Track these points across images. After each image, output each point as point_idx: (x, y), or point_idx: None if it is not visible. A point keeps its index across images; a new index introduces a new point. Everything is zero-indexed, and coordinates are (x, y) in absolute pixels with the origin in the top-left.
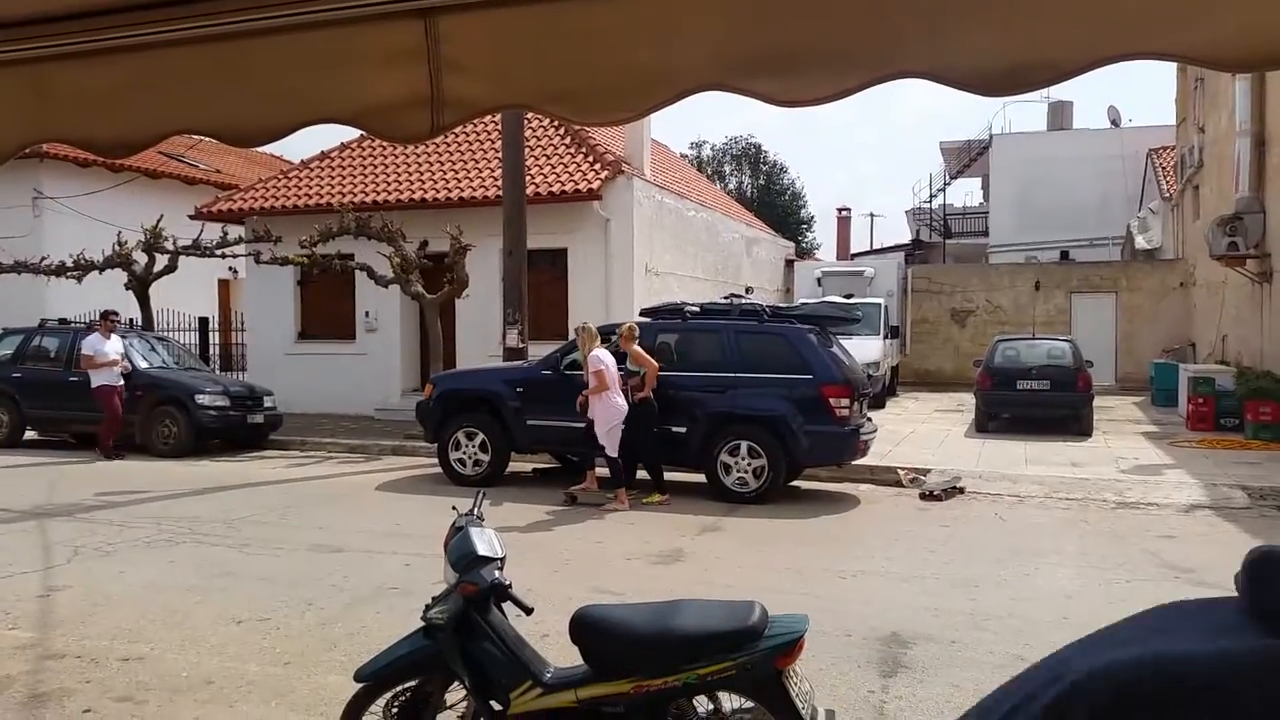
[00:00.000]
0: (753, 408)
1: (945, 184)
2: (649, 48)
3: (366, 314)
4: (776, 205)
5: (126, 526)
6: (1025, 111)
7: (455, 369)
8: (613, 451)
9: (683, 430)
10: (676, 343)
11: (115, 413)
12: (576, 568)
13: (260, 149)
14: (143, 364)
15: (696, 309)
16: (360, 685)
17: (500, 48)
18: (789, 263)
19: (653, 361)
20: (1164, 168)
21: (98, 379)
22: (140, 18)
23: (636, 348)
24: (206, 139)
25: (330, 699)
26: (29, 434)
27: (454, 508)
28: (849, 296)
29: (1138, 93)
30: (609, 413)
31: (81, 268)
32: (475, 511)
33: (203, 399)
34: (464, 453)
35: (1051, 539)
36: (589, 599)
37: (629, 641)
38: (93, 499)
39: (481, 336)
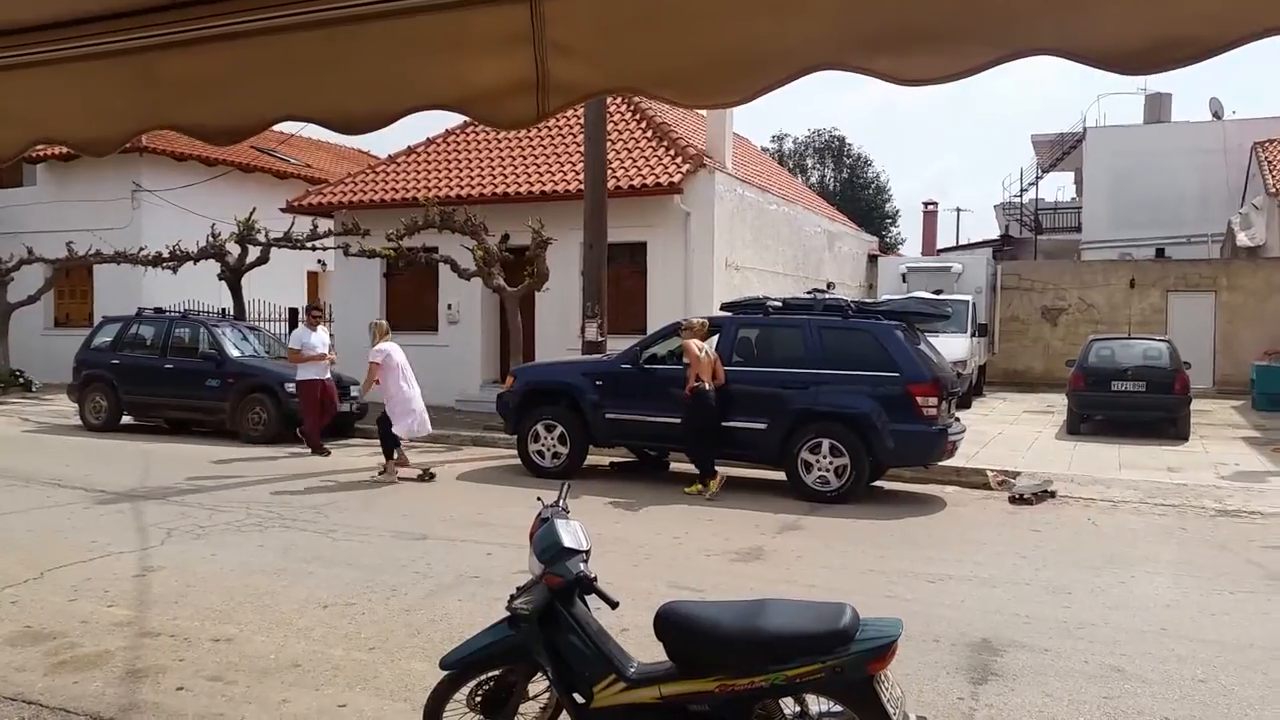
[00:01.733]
0: (836, 405)
1: (1037, 178)
2: (763, 25)
3: (449, 306)
4: (860, 199)
5: (218, 510)
6: (1121, 104)
7: (535, 361)
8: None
9: (762, 426)
10: (757, 338)
11: (311, 409)
12: (655, 563)
13: (349, 143)
14: (234, 352)
15: (778, 303)
16: (445, 673)
17: (607, 29)
18: (872, 258)
19: (699, 358)
20: (1270, 161)
21: (303, 372)
22: (247, 4)
23: (689, 343)
24: (297, 133)
25: (414, 685)
26: (125, 418)
27: (538, 499)
28: (937, 293)
29: (1242, 84)
30: None
31: (177, 258)
32: (560, 503)
33: (292, 387)
34: (543, 445)
35: (1148, 546)
36: (668, 594)
37: (716, 639)
38: (185, 483)
39: (561, 329)
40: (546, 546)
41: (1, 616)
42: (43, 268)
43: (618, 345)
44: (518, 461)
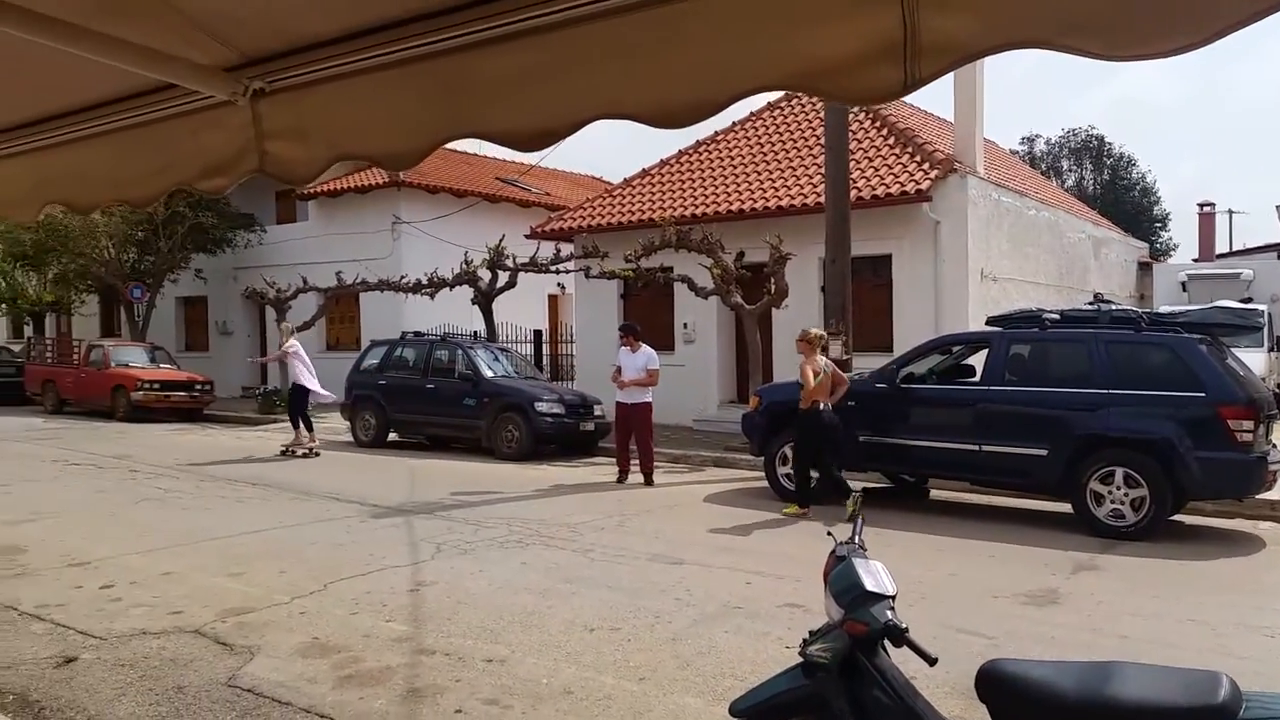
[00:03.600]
0: (1131, 429)
1: None
2: None
3: (685, 325)
4: (1124, 202)
5: (481, 526)
6: None
7: (779, 381)
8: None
9: (1041, 452)
10: (1032, 354)
11: (620, 438)
12: (933, 603)
13: (585, 170)
14: (488, 373)
15: (1055, 316)
16: None
17: None
18: (1143, 265)
19: (812, 383)
20: None
21: (619, 396)
22: None
23: (806, 367)
24: (537, 164)
25: None
26: (391, 435)
27: (829, 533)
28: (1245, 301)
29: None
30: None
31: (434, 285)
32: (856, 539)
33: (541, 406)
34: (791, 469)
35: None
36: (953, 639)
37: (1056, 707)
38: (449, 498)
39: None
40: (845, 589)
41: (293, 627)
42: (316, 296)
43: (863, 364)
44: (764, 484)
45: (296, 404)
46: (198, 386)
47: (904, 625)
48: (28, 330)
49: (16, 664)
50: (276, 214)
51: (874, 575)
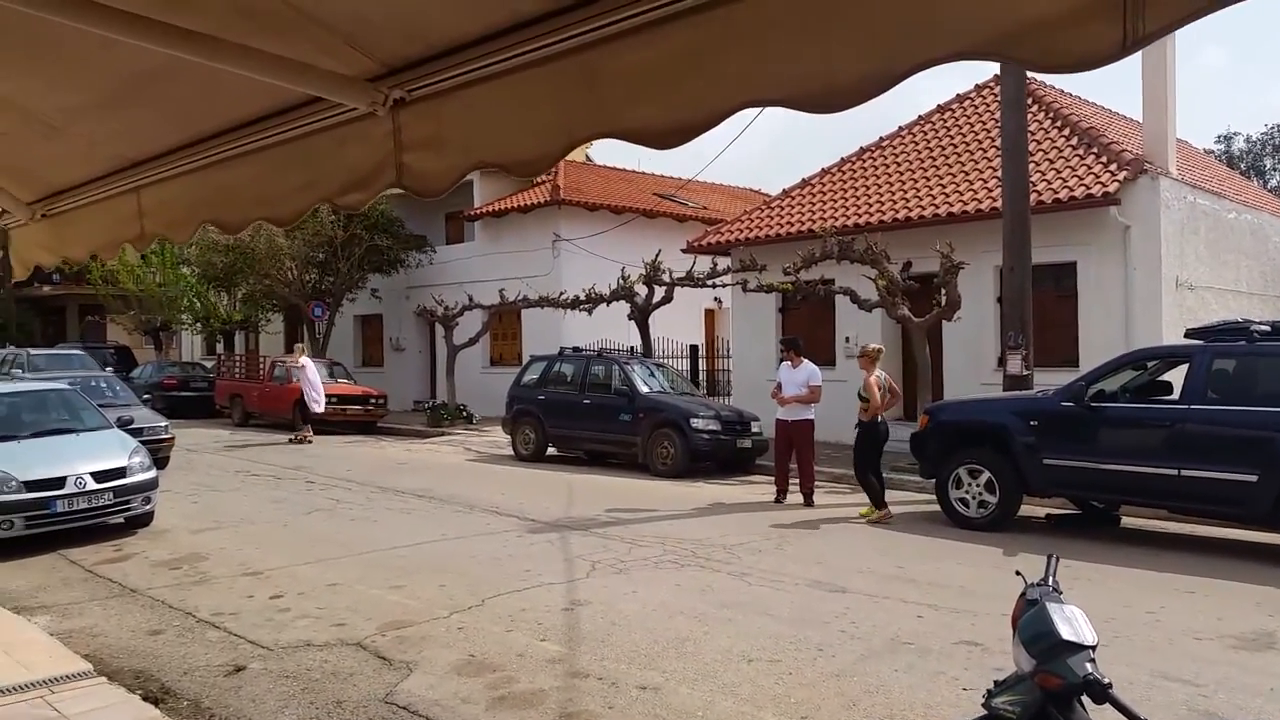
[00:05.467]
0: None
1: None
2: None
3: (846, 339)
4: None
5: (636, 544)
6: None
7: (949, 399)
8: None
9: (1251, 478)
10: (1238, 370)
11: (780, 457)
12: (1129, 645)
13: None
14: (644, 389)
15: (1266, 327)
16: None
17: None
18: None
19: (877, 398)
20: None
21: (779, 413)
22: None
23: (870, 378)
24: (694, 178)
25: None
26: (550, 449)
27: (1018, 573)
28: None
29: None
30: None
31: (592, 301)
32: (1050, 581)
33: (697, 423)
34: (966, 492)
35: None
36: (1154, 687)
37: None
38: (604, 514)
39: (973, 362)
40: (1037, 636)
41: (450, 643)
42: (480, 313)
43: (1044, 380)
44: (935, 508)
45: (302, 405)
46: (372, 400)
47: (1107, 680)
48: (218, 347)
49: (192, 670)
50: (446, 234)
51: (1071, 622)
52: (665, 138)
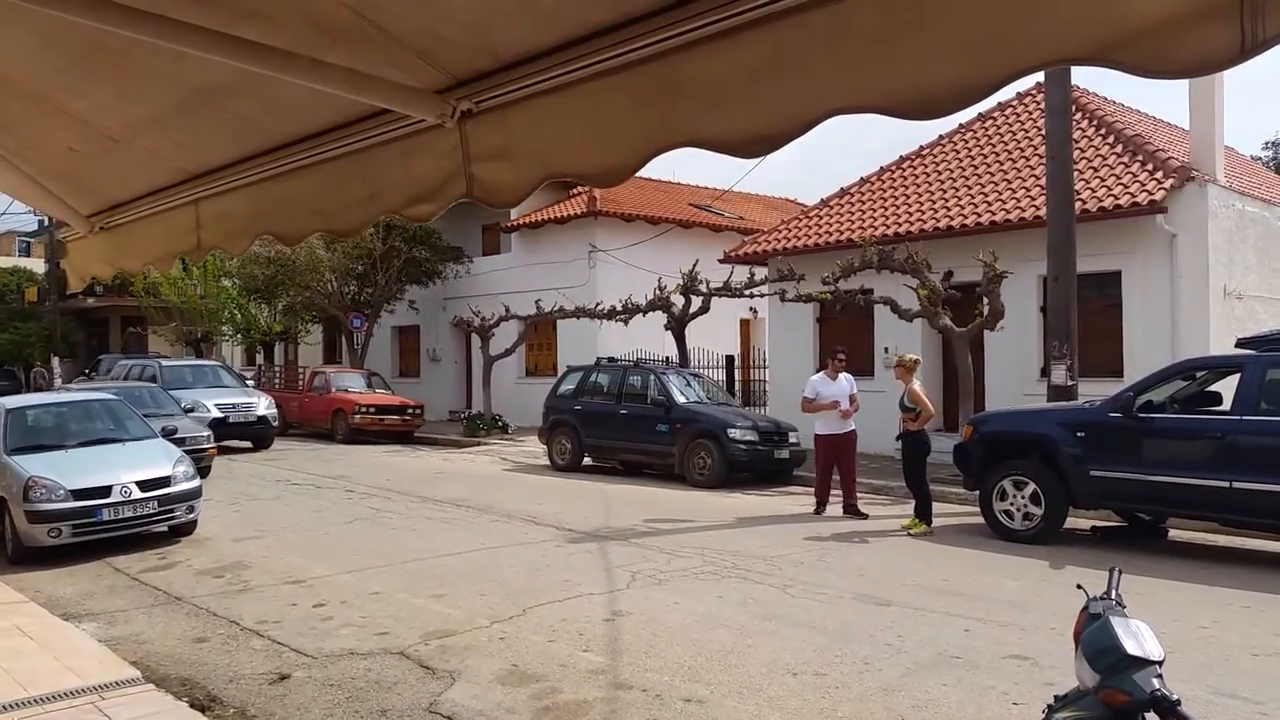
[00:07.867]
0: None
1: None
2: None
3: (886, 350)
4: None
5: (675, 555)
6: None
7: (994, 409)
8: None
9: None
10: None
11: (822, 469)
12: (1185, 660)
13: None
14: (681, 399)
15: None
16: None
17: None
18: None
19: (929, 406)
20: None
21: (817, 425)
22: None
23: (915, 386)
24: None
25: None
26: (585, 459)
27: (1079, 586)
28: None
29: None
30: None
31: (628, 311)
32: (1113, 594)
33: (734, 433)
34: (1011, 504)
35: None
36: (1212, 704)
37: None
38: (643, 524)
39: (1016, 373)
40: (1101, 651)
41: (492, 652)
42: (516, 324)
43: (1089, 390)
44: (979, 520)
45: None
46: (409, 410)
47: (1175, 696)
48: (259, 358)
49: (237, 678)
50: (482, 246)
51: (1136, 637)
52: (750, 146)
